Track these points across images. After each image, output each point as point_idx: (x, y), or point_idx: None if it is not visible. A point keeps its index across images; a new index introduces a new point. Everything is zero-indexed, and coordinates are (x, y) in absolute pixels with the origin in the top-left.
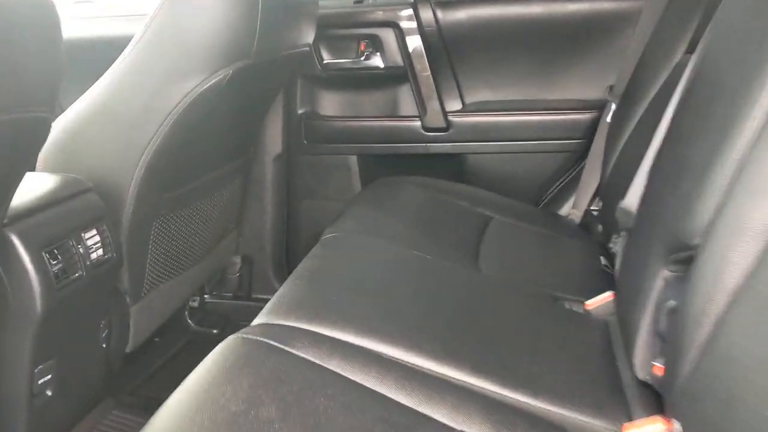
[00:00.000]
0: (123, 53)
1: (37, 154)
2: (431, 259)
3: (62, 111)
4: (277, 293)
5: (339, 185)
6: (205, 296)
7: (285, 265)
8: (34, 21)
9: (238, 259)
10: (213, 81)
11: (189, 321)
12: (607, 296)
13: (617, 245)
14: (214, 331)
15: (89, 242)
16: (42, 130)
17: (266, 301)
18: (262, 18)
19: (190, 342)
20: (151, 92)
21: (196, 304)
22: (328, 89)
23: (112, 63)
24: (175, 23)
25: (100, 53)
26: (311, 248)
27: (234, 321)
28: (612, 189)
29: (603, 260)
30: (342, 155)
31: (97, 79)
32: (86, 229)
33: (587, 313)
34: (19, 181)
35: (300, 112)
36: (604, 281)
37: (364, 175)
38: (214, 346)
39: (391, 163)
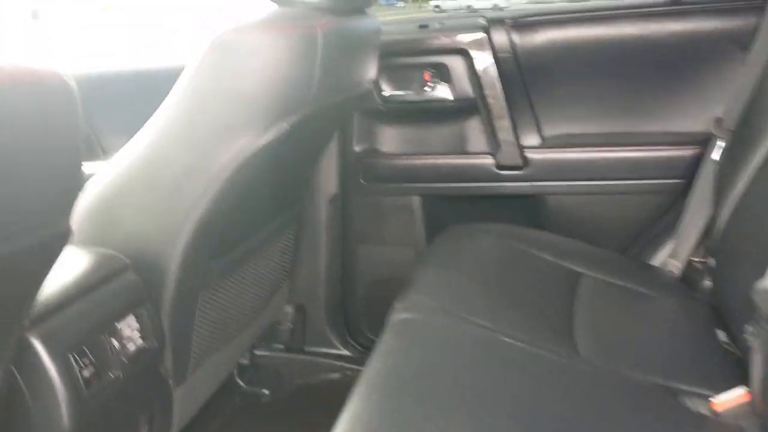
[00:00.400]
0: (162, 106)
1: (55, 261)
2: (524, 348)
3: (104, 153)
4: (346, 414)
5: (400, 229)
6: (255, 350)
7: (341, 316)
8: (49, 112)
9: (290, 309)
10: (266, 138)
11: (239, 381)
12: (740, 394)
13: (755, 336)
14: (266, 391)
15: (126, 332)
16: (60, 242)
17: (320, 354)
18: (322, 62)
19: (240, 407)
20: (195, 152)
21: (245, 360)
22: (389, 124)
23: (160, 96)
24: (221, 73)
25: (146, 86)
26: (369, 297)
27: (287, 378)
28: (729, 246)
29: (722, 335)
30: (404, 196)
31: (143, 116)
32: (123, 317)
33: (716, 415)
34: (39, 287)
35: (357, 149)
36: (729, 366)
37: (429, 217)
38: (266, 411)
39: (459, 204)
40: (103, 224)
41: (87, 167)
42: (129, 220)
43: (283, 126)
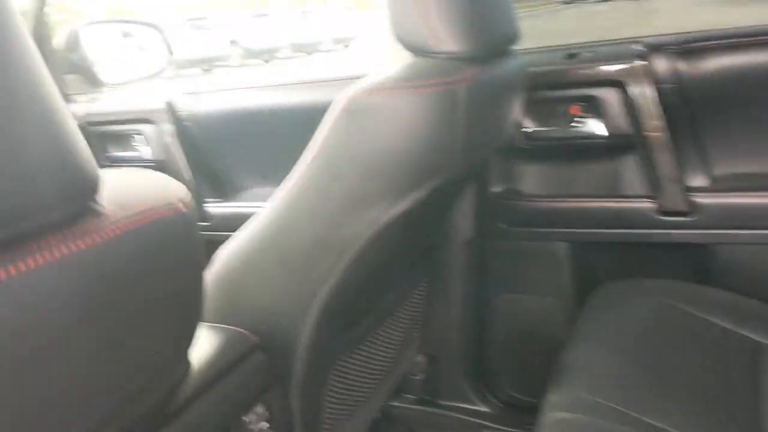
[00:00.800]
0: (293, 175)
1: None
2: None
3: (236, 192)
4: None
5: (544, 277)
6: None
7: (478, 369)
8: (170, 252)
9: (422, 359)
10: (402, 207)
11: None
12: None
13: None
14: None
15: (254, 424)
16: (179, 382)
17: (455, 409)
18: (466, 120)
19: None
20: (325, 223)
21: (377, 413)
22: (530, 163)
23: (294, 133)
24: (352, 140)
25: (280, 123)
26: (509, 351)
27: None
28: None
29: None
30: (549, 242)
31: (277, 153)
32: (251, 407)
33: None
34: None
35: (495, 190)
36: None
37: (577, 266)
38: None
39: (613, 253)
40: (229, 297)
41: (217, 208)
42: (256, 293)
43: (421, 193)
